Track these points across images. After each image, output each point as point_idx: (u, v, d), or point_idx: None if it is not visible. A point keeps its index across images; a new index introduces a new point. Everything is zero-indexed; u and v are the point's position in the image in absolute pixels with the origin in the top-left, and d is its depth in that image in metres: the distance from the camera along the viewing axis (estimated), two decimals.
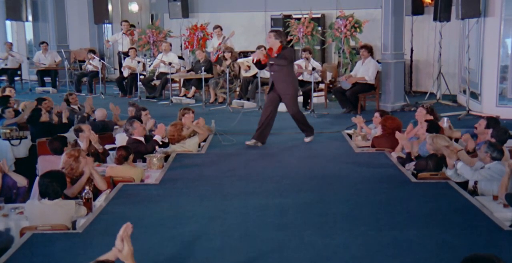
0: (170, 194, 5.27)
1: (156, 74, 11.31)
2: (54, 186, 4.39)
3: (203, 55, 11.04)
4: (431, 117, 6.53)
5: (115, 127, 7.69)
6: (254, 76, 10.07)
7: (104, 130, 7.41)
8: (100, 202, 4.89)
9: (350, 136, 7.53)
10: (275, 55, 6.85)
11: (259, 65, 7.13)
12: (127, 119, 6.94)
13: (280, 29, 7.04)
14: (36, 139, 6.99)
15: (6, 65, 12.73)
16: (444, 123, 6.62)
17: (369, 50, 9.38)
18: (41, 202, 4.42)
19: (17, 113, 8.08)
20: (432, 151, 5.52)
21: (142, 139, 6.37)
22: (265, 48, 7.17)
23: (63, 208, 4.41)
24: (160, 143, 6.36)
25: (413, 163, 5.76)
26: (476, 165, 5.19)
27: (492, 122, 6.12)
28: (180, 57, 12.38)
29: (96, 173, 5.09)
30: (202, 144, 7.11)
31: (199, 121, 7.00)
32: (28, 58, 13.32)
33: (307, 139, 7.24)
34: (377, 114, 7.10)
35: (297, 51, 11.40)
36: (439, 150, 5.44)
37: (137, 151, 6.00)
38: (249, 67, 10.06)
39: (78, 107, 8.42)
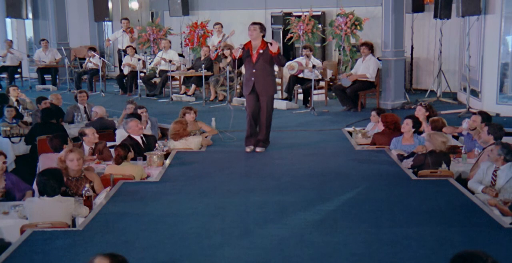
0: (170, 191, 5.27)
1: (157, 71, 11.31)
2: (51, 183, 4.41)
3: (207, 51, 11.02)
4: (416, 116, 6.55)
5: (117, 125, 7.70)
6: None
7: (103, 128, 7.39)
8: (100, 200, 4.90)
9: (350, 133, 7.53)
10: (260, 51, 6.38)
11: (239, 62, 6.62)
12: (125, 116, 6.95)
13: (262, 23, 6.59)
14: (36, 137, 6.98)
15: (4, 62, 12.70)
16: (464, 124, 6.60)
17: (370, 47, 9.36)
18: (41, 199, 4.44)
19: (17, 112, 8.08)
20: (431, 148, 5.52)
21: (138, 138, 6.36)
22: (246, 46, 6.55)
23: (62, 204, 4.42)
24: None
25: (411, 159, 5.77)
26: (482, 166, 5.17)
27: (485, 116, 6.16)
28: (180, 55, 12.37)
29: (99, 183, 5.15)
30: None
31: None
32: (28, 56, 13.31)
33: (258, 149, 6.66)
34: (374, 113, 7.11)
35: (297, 49, 11.43)
36: (439, 147, 5.46)
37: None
38: None
39: (84, 107, 8.39)
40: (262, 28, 6.47)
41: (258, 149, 6.65)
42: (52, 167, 4.75)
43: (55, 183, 4.44)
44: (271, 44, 6.38)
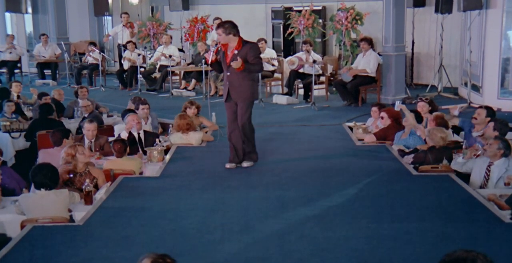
0: (170, 187, 5.27)
1: (157, 67, 11.28)
2: (51, 176, 4.44)
3: (204, 47, 10.99)
4: (418, 111, 6.56)
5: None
6: None
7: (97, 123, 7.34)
8: (100, 195, 4.90)
9: (351, 128, 7.52)
10: (235, 51, 5.60)
11: (217, 66, 5.86)
12: (123, 111, 6.96)
13: (232, 20, 5.79)
14: (35, 133, 6.97)
15: (10, 52, 12.65)
16: (456, 110, 6.61)
17: (369, 42, 9.33)
18: (36, 193, 4.43)
19: (17, 107, 8.06)
20: (431, 144, 5.52)
21: (135, 134, 6.38)
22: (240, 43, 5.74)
23: (58, 197, 4.42)
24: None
25: (412, 155, 5.77)
26: (479, 159, 5.16)
27: (491, 111, 6.16)
28: (181, 50, 12.33)
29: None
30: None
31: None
32: (28, 51, 13.27)
33: (245, 164, 5.84)
34: (375, 109, 7.08)
35: (297, 44, 11.39)
36: (438, 142, 5.45)
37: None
38: None
39: None
40: (227, 29, 5.58)
41: (244, 164, 5.84)
42: (46, 162, 4.75)
43: (54, 176, 4.46)
44: (239, 61, 5.50)
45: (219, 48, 5.76)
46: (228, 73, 5.68)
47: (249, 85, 5.70)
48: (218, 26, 5.70)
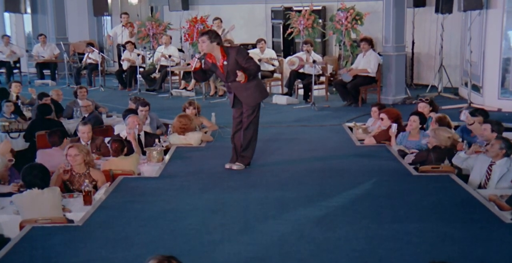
0: (170, 187, 5.25)
1: (157, 68, 11.26)
2: (42, 176, 4.44)
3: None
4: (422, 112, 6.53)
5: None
6: None
7: (97, 123, 7.33)
8: (100, 195, 4.89)
9: (351, 129, 7.51)
10: (225, 62, 5.49)
11: (201, 74, 5.72)
12: (124, 111, 6.94)
13: (212, 29, 5.60)
14: (34, 133, 6.95)
15: (13, 53, 12.63)
16: (462, 115, 6.52)
17: (369, 42, 9.32)
18: (30, 192, 4.42)
19: (16, 107, 8.05)
20: (434, 144, 5.50)
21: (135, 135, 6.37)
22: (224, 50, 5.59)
23: (53, 195, 4.41)
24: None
25: (413, 155, 5.75)
26: (481, 157, 5.15)
27: (485, 114, 6.15)
28: (180, 50, 12.33)
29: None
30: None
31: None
32: (27, 51, 13.26)
33: (234, 166, 5.76)
34: (375, 109, 7.06)
35: (297, 44, 11.38)
36: (444, 142, 5.44)
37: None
38: None
39: None
40: (212, 36, 5.45)
41: (234, 167, 5.77)
42: (37, 162, 4.73)
43: (45, 176, 4.48)
44: (239, 74, 5.44)
45: (204, 60, 5.59)
46: (230, 84, 5.63)
47: (255, 85, 5.66)
48: (203, 34, 5.56)
